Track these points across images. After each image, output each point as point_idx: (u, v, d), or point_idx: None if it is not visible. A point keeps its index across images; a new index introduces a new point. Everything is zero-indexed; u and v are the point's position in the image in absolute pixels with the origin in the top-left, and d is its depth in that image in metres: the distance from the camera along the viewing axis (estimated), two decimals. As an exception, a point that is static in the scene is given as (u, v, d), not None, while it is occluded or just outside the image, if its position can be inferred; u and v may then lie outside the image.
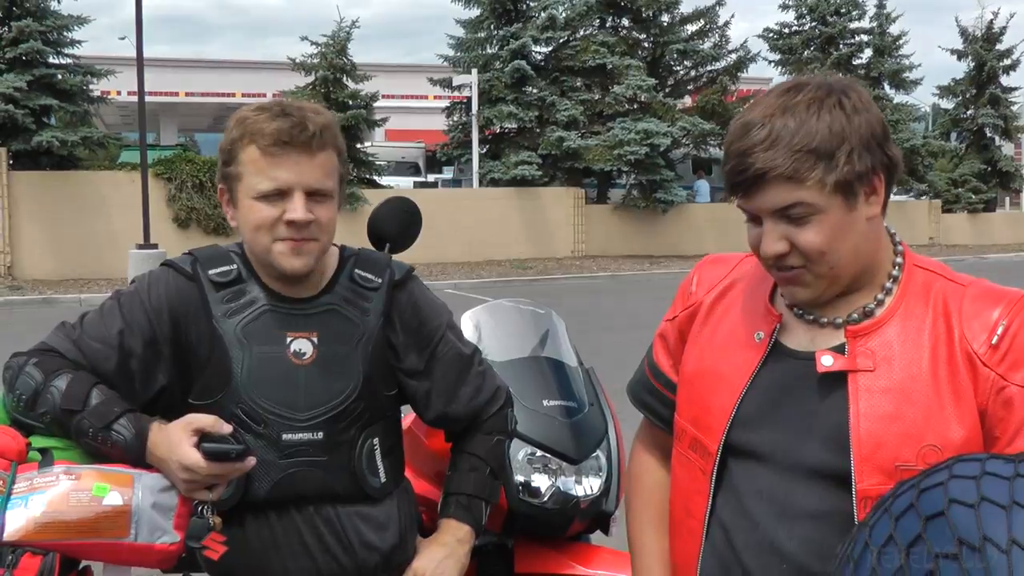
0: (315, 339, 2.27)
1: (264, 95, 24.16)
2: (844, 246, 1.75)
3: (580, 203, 26.26)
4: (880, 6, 32.44)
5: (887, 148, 1.75)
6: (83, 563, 2.26)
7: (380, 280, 2.36)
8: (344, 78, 23.98)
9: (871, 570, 1.23)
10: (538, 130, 26.36)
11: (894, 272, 1.84)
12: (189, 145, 28.14)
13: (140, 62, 19.31)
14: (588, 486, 2.91)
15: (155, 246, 18.42)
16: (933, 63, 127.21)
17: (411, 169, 31.36)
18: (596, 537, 3.11)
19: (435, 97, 30.68)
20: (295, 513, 2.26)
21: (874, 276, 1.83)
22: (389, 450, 2.37)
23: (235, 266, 2.30)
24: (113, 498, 1.99)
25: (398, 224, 2.94)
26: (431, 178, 31.69)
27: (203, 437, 2.05)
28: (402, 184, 26.88)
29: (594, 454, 2.94)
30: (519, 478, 2.88)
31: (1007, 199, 38.62)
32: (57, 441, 2.11)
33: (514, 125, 26.51)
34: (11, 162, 20.49)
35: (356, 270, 2.36)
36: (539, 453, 2.90)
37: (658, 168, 26.13)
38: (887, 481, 1.65)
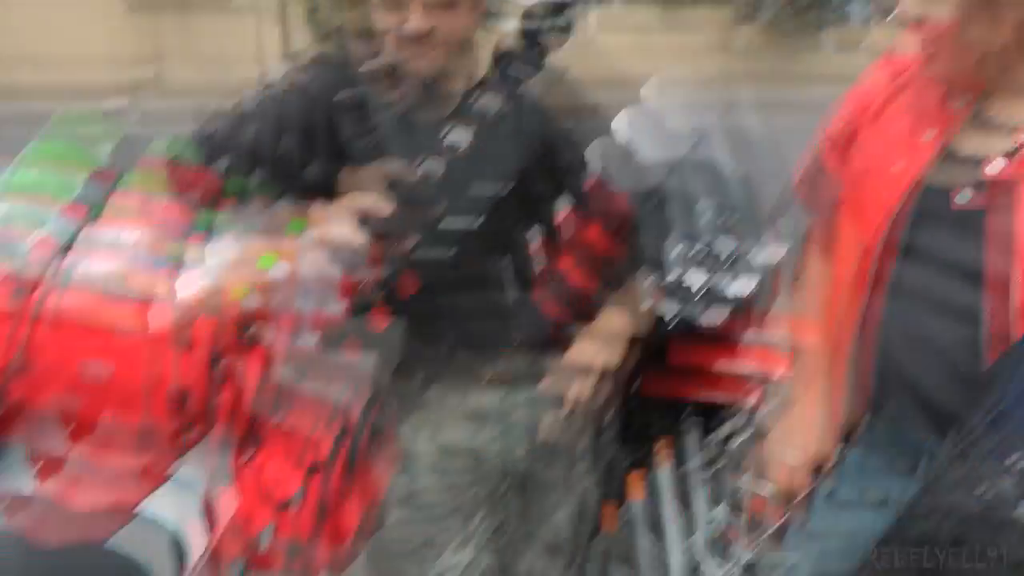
0: (468, 133, 2.24)
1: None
2: None
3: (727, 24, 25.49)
4: None
5: None
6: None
7: (532, 82, 2.30)
8: None
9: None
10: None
11: None
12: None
13: None
14: (742, 285, 2.90)
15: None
16: None
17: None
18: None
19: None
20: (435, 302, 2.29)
21: None
22: (527, 257, 2.41)
23: (387, 60, 2.25)
24: (279, 269, 2.04)
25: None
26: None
27: (363, 219, 2.08)
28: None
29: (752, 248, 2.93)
30: (672, 277, 2.88)
31: None
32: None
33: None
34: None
35: (510, 71, 2.30)
36: (693, 251, 2.90)
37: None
38: None
